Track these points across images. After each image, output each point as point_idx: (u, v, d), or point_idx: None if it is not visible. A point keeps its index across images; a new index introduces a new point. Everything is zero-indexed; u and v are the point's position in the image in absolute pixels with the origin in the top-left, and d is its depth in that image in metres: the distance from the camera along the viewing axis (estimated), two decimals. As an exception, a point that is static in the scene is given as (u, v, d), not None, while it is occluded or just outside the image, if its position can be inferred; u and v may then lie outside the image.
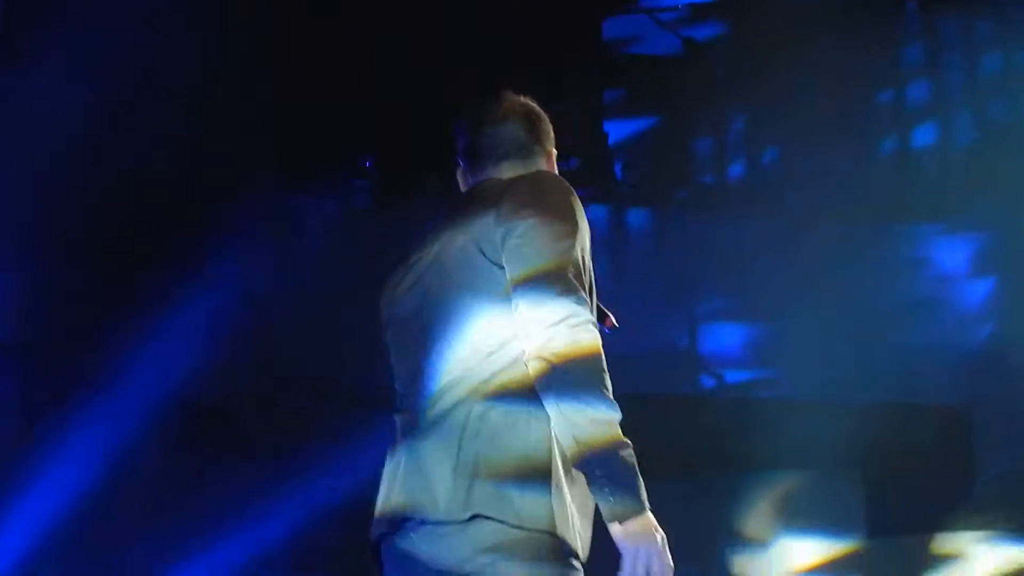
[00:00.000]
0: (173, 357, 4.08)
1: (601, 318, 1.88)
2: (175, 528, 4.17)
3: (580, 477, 1.69)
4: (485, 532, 1.66)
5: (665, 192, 5.66)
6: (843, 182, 5.09)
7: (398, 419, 1.84)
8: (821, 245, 4.91)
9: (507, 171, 1.91)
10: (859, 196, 5.07)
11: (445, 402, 1.72)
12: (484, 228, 1.75)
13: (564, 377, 1.63)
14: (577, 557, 1.72)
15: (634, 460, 1.65)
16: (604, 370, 1.66)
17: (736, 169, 5.73)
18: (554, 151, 2.02)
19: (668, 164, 5.65)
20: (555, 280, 1.67)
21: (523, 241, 1.71)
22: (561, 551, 1.69)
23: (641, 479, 1.66)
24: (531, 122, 2.00)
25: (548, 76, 4.68)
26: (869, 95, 5.54)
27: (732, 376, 5.37)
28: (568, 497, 1.71)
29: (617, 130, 5.53)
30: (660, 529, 1.67)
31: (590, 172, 5.36)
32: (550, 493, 1.68)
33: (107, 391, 4.12)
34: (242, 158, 4.53)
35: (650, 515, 1.66)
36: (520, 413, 1.69)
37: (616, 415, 1.65)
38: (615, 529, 1.64)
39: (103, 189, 4.03)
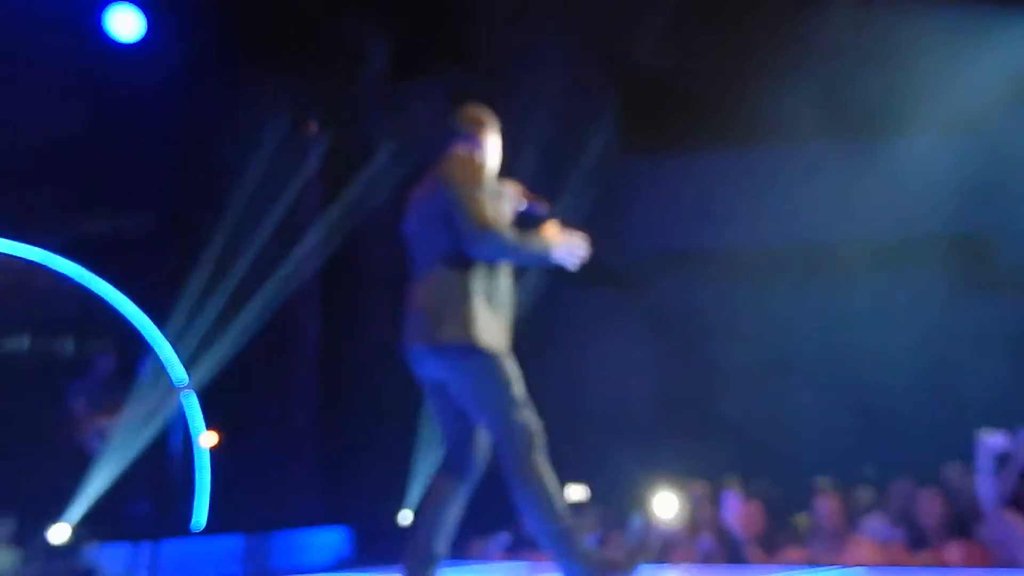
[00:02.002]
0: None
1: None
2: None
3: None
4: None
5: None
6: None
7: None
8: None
9: None
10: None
11: None
12: None
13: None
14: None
15: (533, 249, 3.28)
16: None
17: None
18: (484, 140, 3.51)
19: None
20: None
21: None
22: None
23: (536, 247, 3.29)
24: None
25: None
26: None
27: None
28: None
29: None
30: (562, 242, 3.33)
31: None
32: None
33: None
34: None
35: (553, 244, 3.30)
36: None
37: (511, 241, 3.19)
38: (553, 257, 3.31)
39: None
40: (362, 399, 7.07)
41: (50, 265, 7.83)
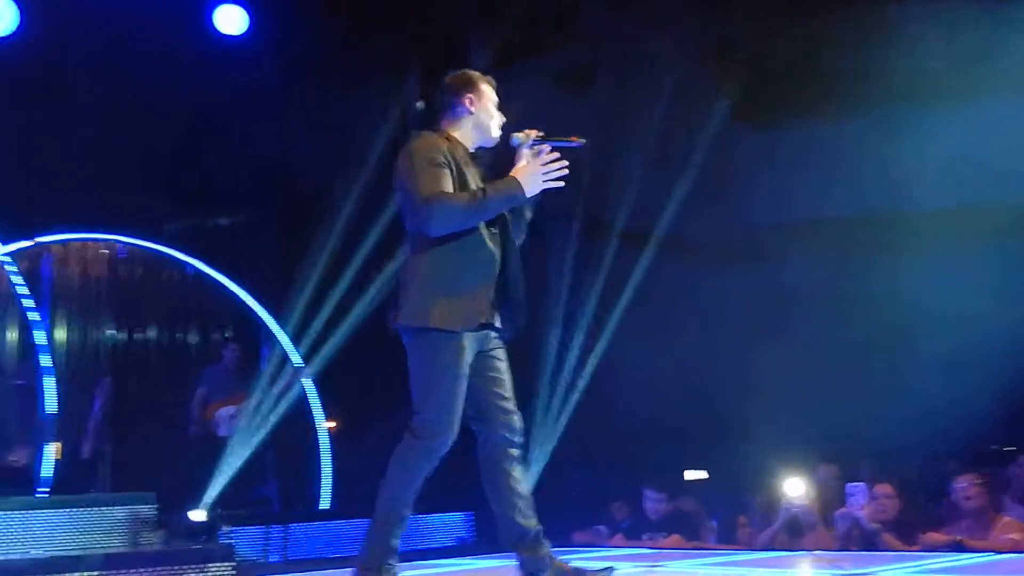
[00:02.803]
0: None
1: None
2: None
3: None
4: None
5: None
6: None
7: None
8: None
9: None
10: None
11: None
12: None
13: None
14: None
15: (494, 194, 3.20)
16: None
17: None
18: (471, 96, 3.40)
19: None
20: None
21: None
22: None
23: (499, 190, 3.22)
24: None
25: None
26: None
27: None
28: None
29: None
30: (527, 169, 3.24)
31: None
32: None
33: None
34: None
35: (521, 180, 3.22)
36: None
37: (459, 205, 3.16)
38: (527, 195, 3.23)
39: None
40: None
41: (176, 258, 8.16)
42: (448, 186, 3.16)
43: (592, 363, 6.99)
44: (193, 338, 8.27)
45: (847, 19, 6.27)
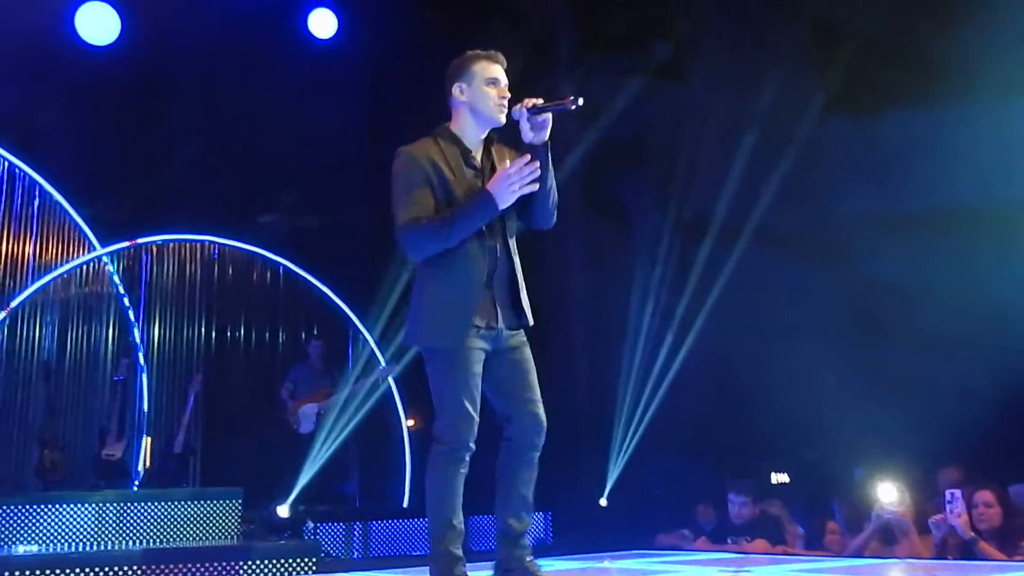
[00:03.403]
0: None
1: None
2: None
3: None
4: None
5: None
6: None
7: None
8: None
9: None
10: None
11: None
12: None
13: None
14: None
15: (463, 213, 3.13)
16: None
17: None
18: (460, 84, 3.26)
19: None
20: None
21: None
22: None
23: (469, 208, 3.14)
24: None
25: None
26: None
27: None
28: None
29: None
30: (497, 179, 3.14)
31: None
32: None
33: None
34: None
35: (492, 192, 3.12)
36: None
37: (432, 229, 3.13)
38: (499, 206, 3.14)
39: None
40: (556, 385, 7.07)
41: (267, 258, 8.36)
42: (425, 208, 3.14)
43: (678, 361, 6.87)
44: (282, 336, 8.44)
45: (944, 7, 6.00)
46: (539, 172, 3.15)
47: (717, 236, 6.92)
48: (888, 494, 5.34)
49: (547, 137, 3.20)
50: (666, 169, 7.27)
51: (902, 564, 4.86)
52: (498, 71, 3.27)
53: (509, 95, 3.26)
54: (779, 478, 6.67)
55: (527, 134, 3.20)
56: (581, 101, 3.11)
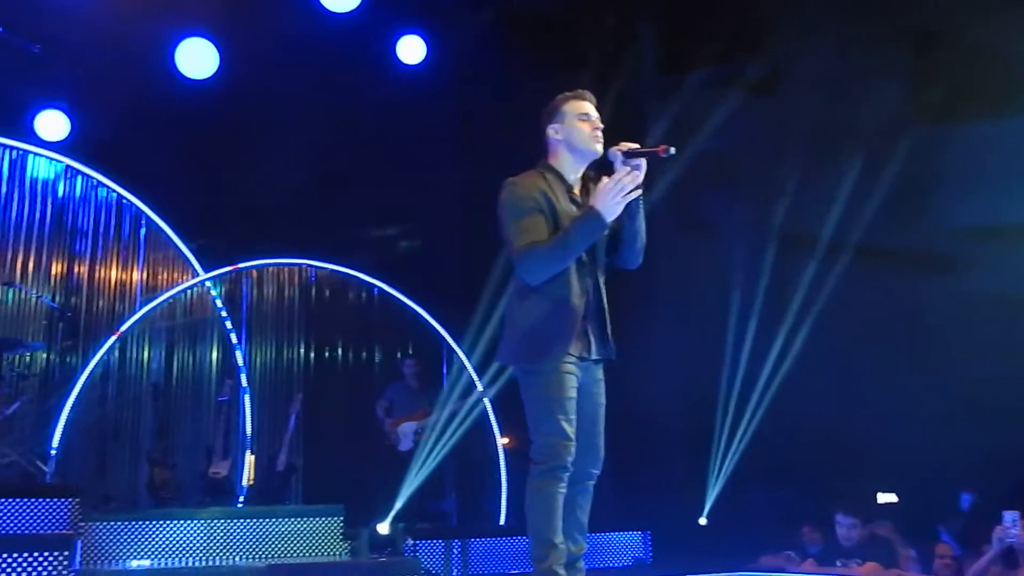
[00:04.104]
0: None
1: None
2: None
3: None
4: None
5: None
6: None
7: None
8: None
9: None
10: None
11: None
12: None
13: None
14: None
15: (575, 231, 3.23)
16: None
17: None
18: (554, 126, 3.43)
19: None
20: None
21: None
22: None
23: (579, 226, 3.23)
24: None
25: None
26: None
27: None
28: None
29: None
30: (600, 193, 3.20)
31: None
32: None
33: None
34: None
35: (597, 207, 3.21)
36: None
37: (547, 251, 3.24)
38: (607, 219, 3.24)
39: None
40: (655, 405, 6.99)
41: (362, 280, 8.52)
42: (540, 233, 3.26)
43: (778, 379, 6.73)
44: (378, 356, 8.58)
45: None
46: (639, 178, 3.25)
47: (817, 254, 6.77)
48: (1011, 517, 5.10)
49: (641, 179, 3.30)
50: (763, 187, 7.16)
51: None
52: (588, 107, 3.45)
53: (602, 126, 3.43)
54: (886, 498, 6.44)
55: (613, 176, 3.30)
56: (673, 150, 3.22)
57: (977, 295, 6.12)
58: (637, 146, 3.29)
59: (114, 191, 7.93)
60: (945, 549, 5.68)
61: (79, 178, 7.88)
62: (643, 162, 3.28)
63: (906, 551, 5.75)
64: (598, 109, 3.45)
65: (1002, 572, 5.05)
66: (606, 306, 3.39)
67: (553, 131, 3.43)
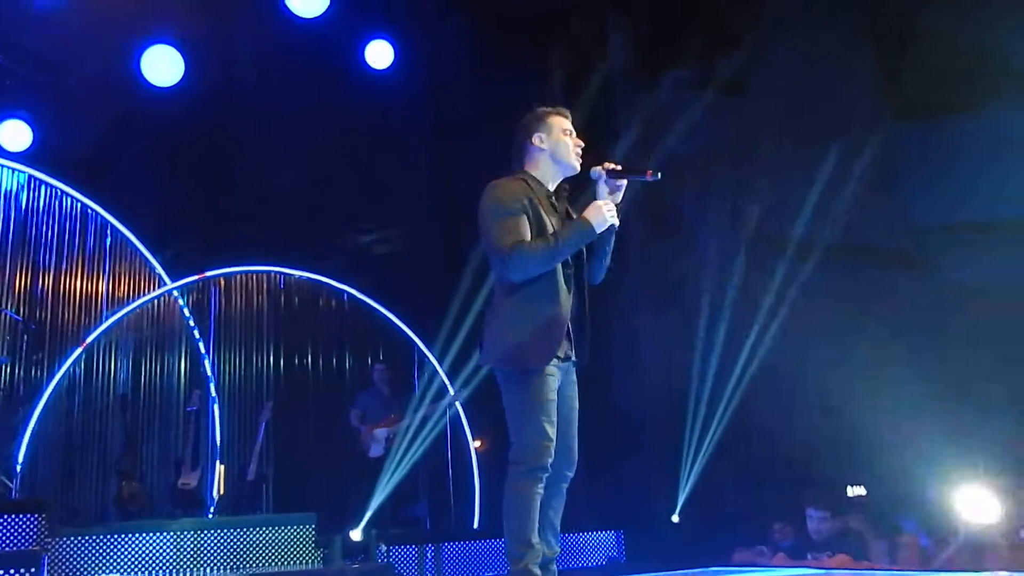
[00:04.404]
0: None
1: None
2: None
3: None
4: None
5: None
6: None
7: None
8: None
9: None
10: None
11: None
12: None
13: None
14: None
15: (566, 237, 3.32)
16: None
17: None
18: (540, 135, 3.50)
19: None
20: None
21: None
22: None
23: (571, 232, 3.33)
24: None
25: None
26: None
27: None
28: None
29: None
30: (594, 207, 3.35)
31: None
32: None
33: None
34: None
35: (589, 218, 3.35)
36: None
37: (536, 252, 3.28)
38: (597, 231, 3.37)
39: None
40: (627, 404, 7.02)
41: (332, 286, 8.48)
42: (525, 233, 3.31)
43: (748, 377, 6.77)
44: (349, 362, 8.54)
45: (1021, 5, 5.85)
46: (619, 198, 3.41)
47: (788, 250, 6.82)
48: (976, 506, 5.16)
49: (620, 200, 3.43)
50: (734, 185, 7.21)
51: (995, 577, 4.69)
52: (569, 124, 3.57)
53: (583, 144, 3.54)
54: (856, 491, 6.50)
55: (602, 195, 3.43)
56: (660, 175, 3.35)
57: (948, 288, 6.19)
58: (620, 167, 3.40)
59: (79, 201, 7.84)
60: (908, 540, 5.74)
61: (43, 188, 7.78)
62: (624, 183, 3.40)
63: (877, 543, 5.80)
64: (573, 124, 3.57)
65: (969, 560, 5.11)
66: (587, 311, 3.44)
67: (538, 140, 3.50)
